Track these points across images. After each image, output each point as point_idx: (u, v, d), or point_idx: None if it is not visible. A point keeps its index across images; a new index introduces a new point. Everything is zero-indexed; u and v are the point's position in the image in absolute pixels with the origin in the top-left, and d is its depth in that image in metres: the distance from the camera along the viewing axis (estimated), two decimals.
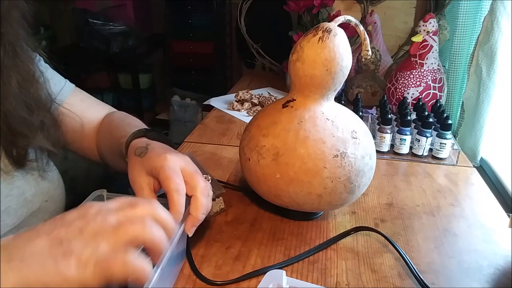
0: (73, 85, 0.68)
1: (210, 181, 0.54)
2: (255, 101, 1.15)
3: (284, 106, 0.58)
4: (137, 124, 0.64)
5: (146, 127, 0.62)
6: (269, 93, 1.25)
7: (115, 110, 0.74)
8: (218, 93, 1.27)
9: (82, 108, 0.67)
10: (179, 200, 0.45)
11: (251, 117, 0.86)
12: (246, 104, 1.14)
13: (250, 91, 1.19)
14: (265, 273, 0.49)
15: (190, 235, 0.47)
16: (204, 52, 2.44)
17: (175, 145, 0.89)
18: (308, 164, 0.54)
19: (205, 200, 0.48)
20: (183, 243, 0.53)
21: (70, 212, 0.37)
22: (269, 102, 1.13)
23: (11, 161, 0.50)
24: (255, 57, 1.41)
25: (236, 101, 1.16)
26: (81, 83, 0.69)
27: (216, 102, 1.19)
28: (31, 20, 0.51)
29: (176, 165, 0.48)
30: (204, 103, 1.24)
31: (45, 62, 0.59)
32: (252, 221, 0.63)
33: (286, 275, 0.48)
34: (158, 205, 0.39)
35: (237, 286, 0.50)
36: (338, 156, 0.54)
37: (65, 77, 0.66)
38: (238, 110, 1.12)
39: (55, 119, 0.57)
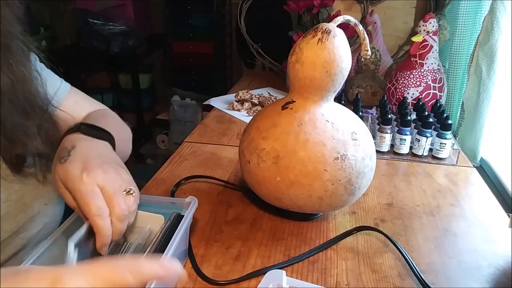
0: (68, 86, 0.65)
1: (134, 194, 0.47)
2: (255, 101, 1.15)
3: (283, 108, 0.58)
4: (110, 121, 0.59)
5: (124, 125, 0.60)
6: (269, 93, 1.25)
7: (105, 108, 0.70)
8: (218, 93, 1.27)
9: (75, 110, 0.63)
10: (104, 225, 0.42)
11: (251, 117, 0.86)
12: (246, 104, 1.14)
13: (250, 91, 1.19)
14: (265, 273, 0.49)
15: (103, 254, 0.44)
16: (204, 52, 2.43)
17: (175, 145, 0.89)
18: (309, 167, 0.54)
19: (120, 224, 0.44)
20: (185, 243, 0.53)
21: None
22: (269, 102, 1.13)
23: (9, 166, 0.49)
24: (255, 57, 1.41)
25: (236, 101, 1.16)
26: (81, 83, 0.69)
27: (216, 102, 1.19)
28: (26, 19, 0.49)
29: (94, 186, 0.43)
30: (204, 103, 1.24)
31: (41, 61, 0.57)
32: (252, 221, 0.63)
33: (286, 275, 0.48)
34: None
35: (237, 286, 0.50)
36: (338, 159, 0.54)
37: (65, 78, 0.64)
38: (238, 110, 1.12)
39: (53, 121, 0.56)
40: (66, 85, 0.64)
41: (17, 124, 0.48)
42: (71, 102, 0.64)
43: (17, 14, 0.48)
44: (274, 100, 1.14)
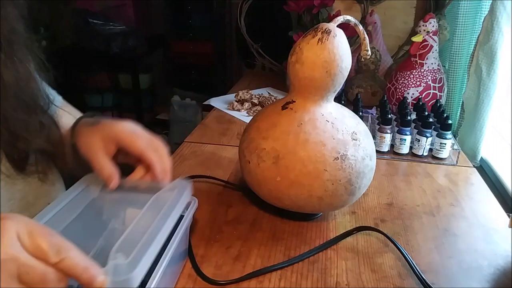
0: (60, 98, 0.65)
1: None
2: (255, 101, 1.15)
3: (283, 108, 0.58)
4: None
5: None
6: (269, 93, 1.25)
7: None
8: (218, 93, 1.27)
9: (68, 119, 0.62)
10: (159, 157, 0.52)
11: (251, 117, 0.86)
12: (246, 104, 1.14)
13: (250, 91, 1.19)
14: (265, 273, 0.48)
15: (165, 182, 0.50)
16: (204, 52, 2.44)
17: (175, 145, 0.90)
18: (309, 167, 0.54)
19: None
20: (185, 243, 0.53)
21: None
22: (269, 102, 1.13)
23: (12, 164, 0.49)
24: (255, 57, 1.42)
25: (236, 101, 1.16)
26: (81, 83, 0.67)
27: (216, 102, 1.19)
28: (28, 18, 0.48)
29: (136, 128, 0.53)
30: (204, 103, 1.24)
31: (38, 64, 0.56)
32: (252, 221, 0.63)
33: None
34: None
35: (237, 286, 0.50)
36: (338, 159, 0.54)
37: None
38: (238, 110, 1.13)
39: (53, 120, 0.55)
40: (59, 97, 0.64)
41: (20, 120, 0.48)
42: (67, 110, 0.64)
43: (21, 11, 0.48)
44: (274, 100, 1.14)
